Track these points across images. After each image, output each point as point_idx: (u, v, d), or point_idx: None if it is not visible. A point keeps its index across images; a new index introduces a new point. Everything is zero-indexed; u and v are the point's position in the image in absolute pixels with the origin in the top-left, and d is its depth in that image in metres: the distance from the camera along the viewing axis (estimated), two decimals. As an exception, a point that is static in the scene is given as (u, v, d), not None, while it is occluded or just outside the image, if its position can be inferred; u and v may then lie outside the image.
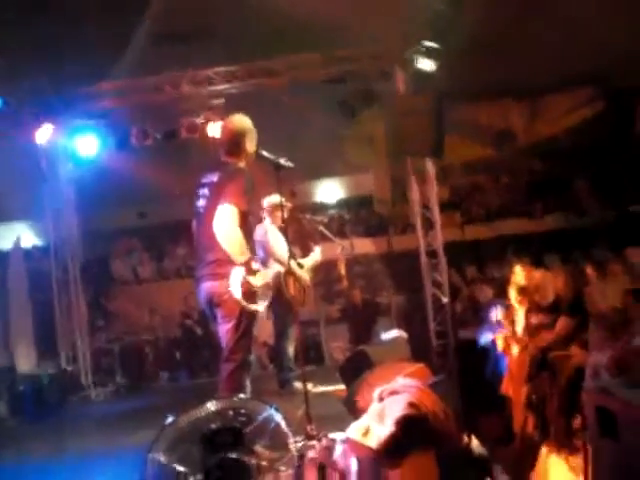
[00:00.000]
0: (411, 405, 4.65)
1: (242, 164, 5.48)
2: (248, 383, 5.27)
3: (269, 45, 12.41)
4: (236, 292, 5.01)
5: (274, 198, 7.92)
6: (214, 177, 5.38)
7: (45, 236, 13.15)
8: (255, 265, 5.12)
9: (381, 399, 4.93)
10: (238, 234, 5.06)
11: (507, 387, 7.50)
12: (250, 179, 5.28)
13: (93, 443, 7.22)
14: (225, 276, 5.11)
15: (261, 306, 5.21)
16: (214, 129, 10.30)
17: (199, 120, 10.69)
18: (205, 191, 5.41)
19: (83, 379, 11.28)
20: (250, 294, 5.07)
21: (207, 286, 5.29)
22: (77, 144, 11.18)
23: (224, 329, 5.29)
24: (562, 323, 6.91)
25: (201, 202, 5.44)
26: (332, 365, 11.11)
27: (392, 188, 16.14)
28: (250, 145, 5.48)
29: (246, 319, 5.21)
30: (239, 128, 5.49)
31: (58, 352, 11.33)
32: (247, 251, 5.11)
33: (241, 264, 5.03)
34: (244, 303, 5.04)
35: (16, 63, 11.32)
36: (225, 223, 5.06)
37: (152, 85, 10.86)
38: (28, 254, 14.22)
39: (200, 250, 5.44)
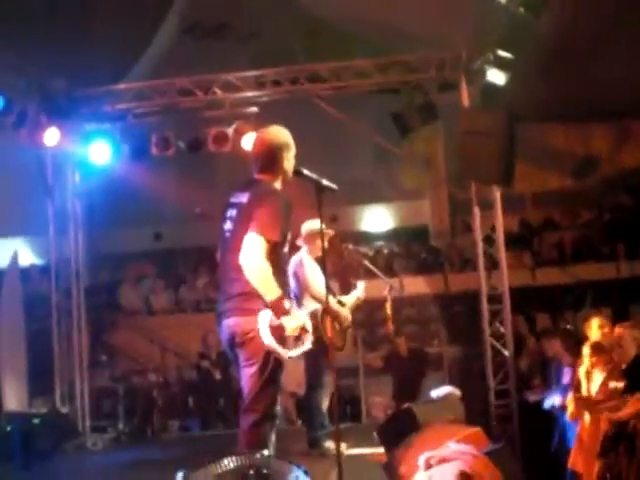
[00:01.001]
0: (463, 475, 4.61)
1: (277, 183, 5.50)
2: (273, 439, 5.26)
3: (314, 47, 12.56)
4: (265, 336, 5.01)
5: (313, 224, 7.92)
6: (244, 197, 5.38)
7: (46, 254, 13.28)
8: (287, 304, 5.12)
9: (428, 467, 4.90)
10: (267, 270, 5.07)
11: (576, 460, 7.41)
12: (286, 202, 5.29)
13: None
14: (252, 312, 5.11)
15: (296, 352, 5.20)
16: (246, 141, 10.35)
17: (229, 130, 10.76)
18: (233, 213, 5.43)
19: (80, 423, 11.31)
20: (283, 338, 5.07)
21: (230, 322, 5.29)
22: (87, 151, 11.27)
23: (246, 374, 5.28)
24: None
25: (228, 225, 5.45)
26: (370, 423, 11.04)
27: (451, 218, 16.10)
28: (287, 162, 5.49)
29: (273, 363, 5.20)
30: (276, 141, 5.51)
31: (53, 390, 11.38)
32: (277, 288, 5.12)
33: (271, 303, 5.03)
34: (278, 349, 5.04)
35: (26, 59, 11.59)
36: (252, 256, 5.07)
37: (178, 88, 11.00)
38: (25, 274, 14.40)
39: (224, 281, 5.46)
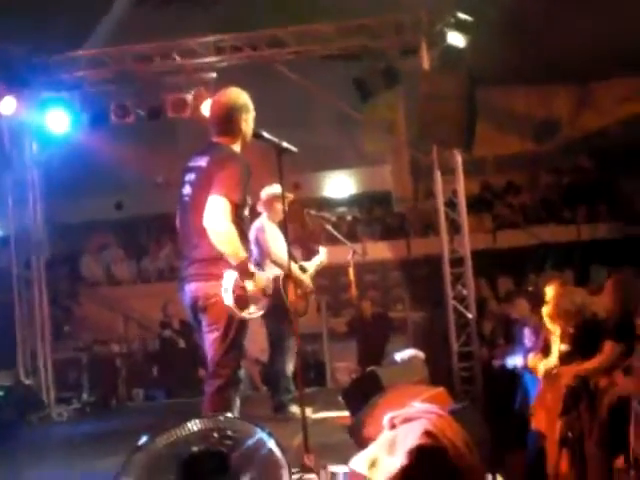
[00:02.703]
0: (428, 434, 4.63)
1: (236, 146, 5.46)
2: (237, 404, 5.27)
3: (274, 11, 12.45)
4: (227, 298, 5.01)
5: (274, 188, 7.92)
6: (203, 161, 5.34)
7: (5, 226, 13.14)
8: (252, 267, 5.12)
9: (392, 426, 4.92)
10: (232, 231, 5.05)
11: (538, 419, 7.48)
12: (246, 165, 5.26)
13: (53, 469, 7.22)
14: (214, 277, 5.10)
15: (255, 314, 5.20)
16: (206, 107, 10.28)
17: (188, 96, 10.67)
18: (192, 177, 5.38)
19: (44, 395, 11.26)
20: (244, 300, 5.06)
21: (192, 288, 5.28)
22: (45, 120, 11.13)
23: (210, 339, 5.27)
24: (608, 349, 6.86)
25: (187, 190, 5.40)
26: (335, 388, 11.12)
27: (413, 183, 16.16)
28: (245, 124, 5.45)
29: (236, 327, 5.20)
30: (233, 102, 5.46)
31: (16, 362, 11.31)
32: (243, 250, 5.11)
33: (236, 265, 5.02)
34: (236, 310, 5.04)
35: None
36: (217, 218, 5.04)
37: (136, 54, 10.88)
38: (-16, 246, 14.26)
39: (185, 246, 5.43)
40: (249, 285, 5.05)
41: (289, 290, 7.28)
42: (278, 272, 7.67)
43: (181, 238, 5.51)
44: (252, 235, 7.68)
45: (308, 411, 6.86)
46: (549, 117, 16.01)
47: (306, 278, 8.28)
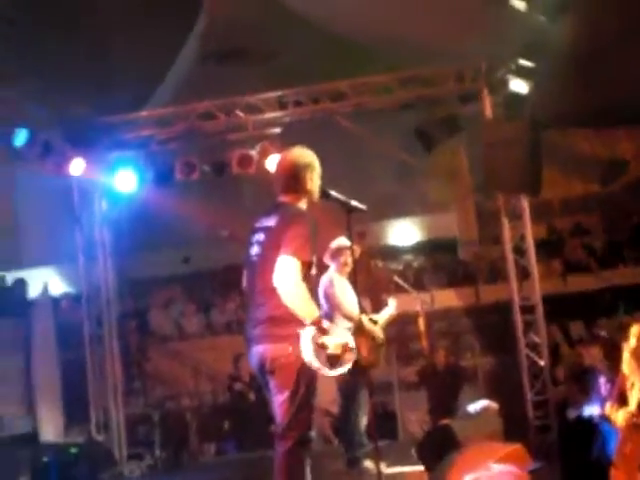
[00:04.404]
0: (508, 496, 4.49)
1: (302, 204, 5.43)
2: (308, 461, 5.16)
3: (334, 66, 12.50)
4: (307, 356, 4.94)
5: (341, 241, 7.86)
6: (271, 222, 5.32)
7: (76, 283, 13.30)
8: (326, 324, 5.05)
9: (473, 487, 4.79)
10: (304, 290, 5.01)
11: (617, 472, 7.23)
12: (313, 223, 5.23)
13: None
14: (281, 338, 5.05)
15: (338, 371, 5.12)
16: (270, 163, 10.30)
17: (253, 152, 10.71)
18: (261, 237, 5.35)
19: (116, 451, 11.25)
20: (323, 357, 4.99)
21: (260, 350, 5.21)
22: (113, 179, 11.26)
23: (278, 400, 5.18)
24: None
25: (255, 250, 5.36)
26: (407, 440, 10.92)
27: (479, 229, 16.00)
28: (311, 182, 5.42)
29: (305, 388, 5.11)
30: (298, 161, 5.43)
31: (88, 419, 11.34)
32: (315, 309, 5.06)
33: (311, 324, 4.96)
34: (317, 366, 4.96)
35: (48, 89, 11.60)
36: (288, 278, 5.00)
37: (200, 112, 10.97)
38: (57, 303, 14.43)
39: (251, 306, 5.37)
40: (328, 341, 4.98)
41: (361, 343, 7.19)
42: (349, 325, 7.58)
43: (247, 298, 5.46)
44: (321, 290, 7.62)
45: (382, 466, 6.71)
46: (614, 158, 15.77)
47: (377, 330, 8.18)
